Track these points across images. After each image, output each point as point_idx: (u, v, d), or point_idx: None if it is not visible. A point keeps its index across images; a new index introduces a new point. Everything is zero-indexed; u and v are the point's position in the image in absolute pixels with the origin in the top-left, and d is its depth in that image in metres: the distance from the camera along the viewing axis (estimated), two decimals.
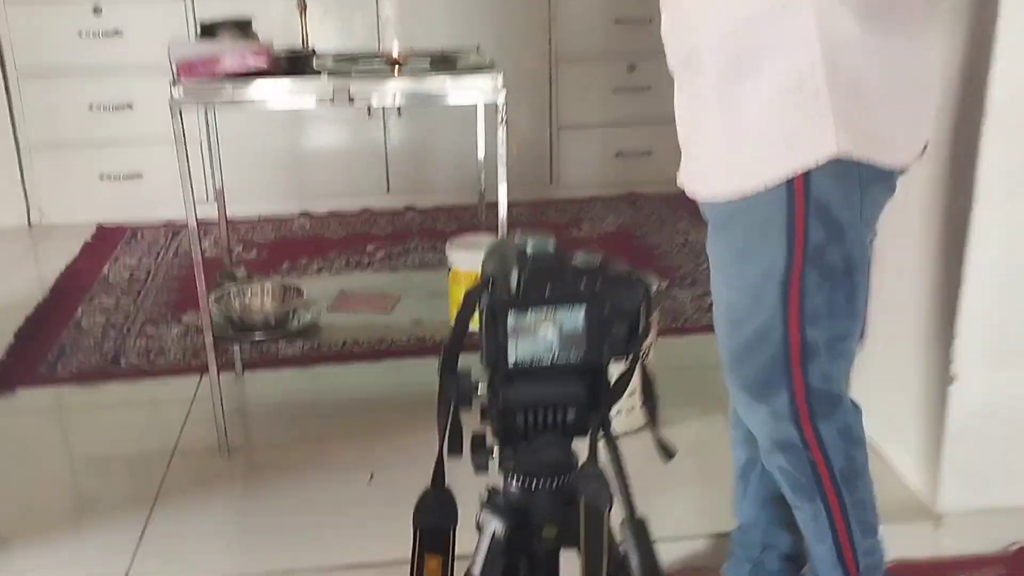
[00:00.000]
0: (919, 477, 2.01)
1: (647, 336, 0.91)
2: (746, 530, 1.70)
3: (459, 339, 0.96)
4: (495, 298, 0.93)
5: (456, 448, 0.96)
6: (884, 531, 1.77)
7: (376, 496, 2.06)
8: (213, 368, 2.12)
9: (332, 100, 1.96)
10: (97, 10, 3.63)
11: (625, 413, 2.18)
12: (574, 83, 3.92)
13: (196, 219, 2.04)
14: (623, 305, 0.95)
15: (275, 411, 2.47)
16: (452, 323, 0.96)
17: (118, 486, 2.15)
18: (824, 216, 1.31)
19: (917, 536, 1.92)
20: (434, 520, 0.97)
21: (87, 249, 3.55)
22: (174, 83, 1.94)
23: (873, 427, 2.18)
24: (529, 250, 0.94)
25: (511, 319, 0.93)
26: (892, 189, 1.39)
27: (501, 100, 1.99)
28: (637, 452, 0.95)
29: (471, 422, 0.97)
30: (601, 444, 0.95)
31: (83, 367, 2.65)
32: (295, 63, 2.06)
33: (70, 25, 3.63)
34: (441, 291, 2.29)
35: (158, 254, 3.49)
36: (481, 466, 0.97)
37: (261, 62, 1.96)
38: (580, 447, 0.97)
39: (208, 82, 1.94)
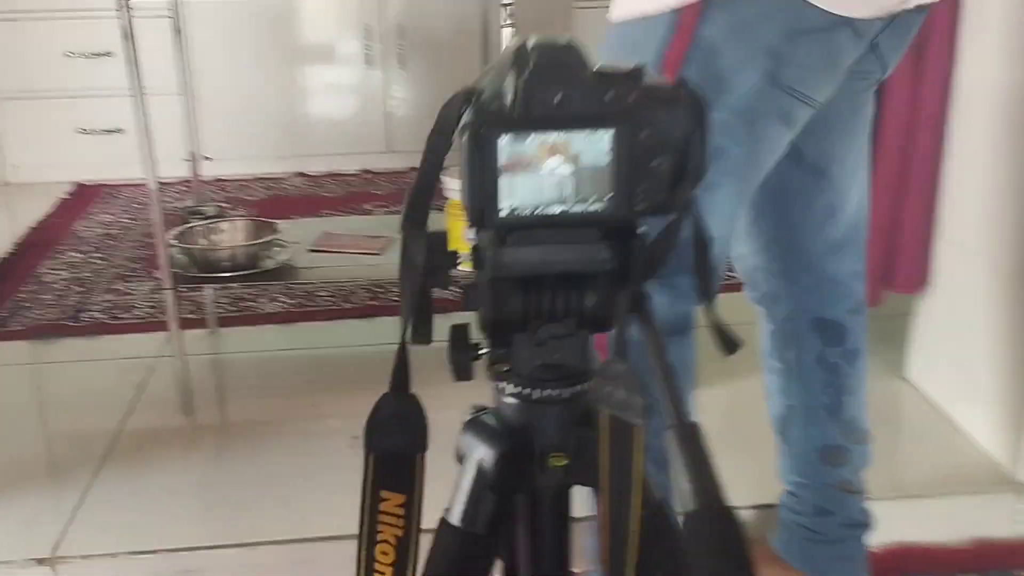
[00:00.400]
0: (998, 441, 1.72)
1: (701, 178, 0.60)
2: (793, 494, 1.42)
3: (429, 181, 0.67)
4: (480, 115, 0.63)
5: (423, 333, 0.66)
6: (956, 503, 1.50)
7: (358, 463, 1.77)
8: (172, 311, 1.84)
9: None
10: None
11: None
12: (594, 29, 3.62)
13: (149, 134, 1.76)
14: (668, 130, 0.64)
15: (251, 370, 2.19)
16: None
17: (60, 448, 1.87)
18: (706, 64, 1.01)
19: (997, 510, 1.65)
20: (393, 441, 0.68)
21: (62, 205, 3.28)
22: None
23: (941, 384, 1.89)
24: (531, 44, 0.63)
25: (503, 146, 0.61)
26: (833, 54, 1.04)
27: None
28: None
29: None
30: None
31: (39, 322, 2.37)
32: None
33: None
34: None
35: (136, 211, 3.21)
36: (463, 370, 0.68)
37: None
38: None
39: None
